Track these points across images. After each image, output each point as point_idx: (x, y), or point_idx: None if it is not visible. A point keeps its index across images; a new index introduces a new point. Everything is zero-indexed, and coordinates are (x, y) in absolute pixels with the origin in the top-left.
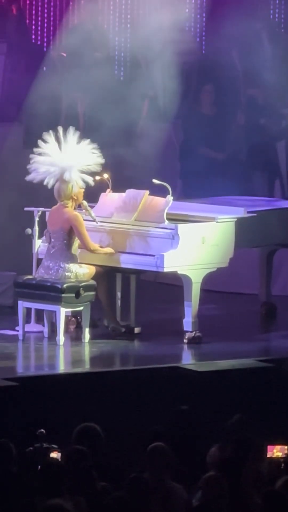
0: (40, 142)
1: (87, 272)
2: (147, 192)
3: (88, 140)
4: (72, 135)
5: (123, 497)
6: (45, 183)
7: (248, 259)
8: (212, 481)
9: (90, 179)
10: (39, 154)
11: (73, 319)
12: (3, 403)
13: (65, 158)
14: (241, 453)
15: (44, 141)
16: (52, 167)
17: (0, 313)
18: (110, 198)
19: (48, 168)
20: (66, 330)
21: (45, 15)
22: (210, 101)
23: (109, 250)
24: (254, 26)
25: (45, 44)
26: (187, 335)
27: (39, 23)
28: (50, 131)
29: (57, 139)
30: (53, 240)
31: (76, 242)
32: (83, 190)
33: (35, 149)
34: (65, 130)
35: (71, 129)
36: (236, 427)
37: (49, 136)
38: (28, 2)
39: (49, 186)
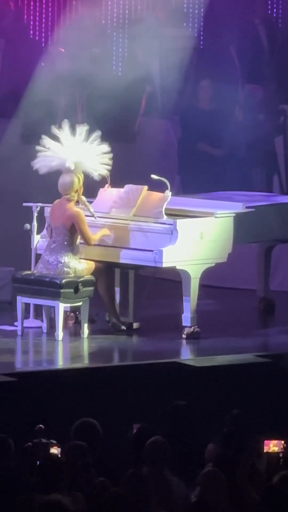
0: (54, 129)
1: (86, 268)
2: (146, 187)
3: (99, 142)
4: (83, 132)
5: (122, 492)
6: (43, 170)
7: (247, 255)
8: (210, 476)
9: (104, 172)
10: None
11: (72, 314)
12: (2, 398)
13: (77, 151)
14: (238, 448)
15: (59, 131)
16: (60, 158)
17: None
18: (108, 194)
19: (61, 158)
20: (65, 326)
21: (43, 11)
22: (208, 96)
23: (102, 232)
24: (252, 21)
25: (43, 40)
26: (186, 331)
27: (37, 18)
28: (67, 121)
29: (70, 132)
30: (54, 235)
31: (78, 237)
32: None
33: (45, 138)
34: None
35: (84, 127)
36: (234, 422)
37: (65, 127)
38: None
39: (41, 172)
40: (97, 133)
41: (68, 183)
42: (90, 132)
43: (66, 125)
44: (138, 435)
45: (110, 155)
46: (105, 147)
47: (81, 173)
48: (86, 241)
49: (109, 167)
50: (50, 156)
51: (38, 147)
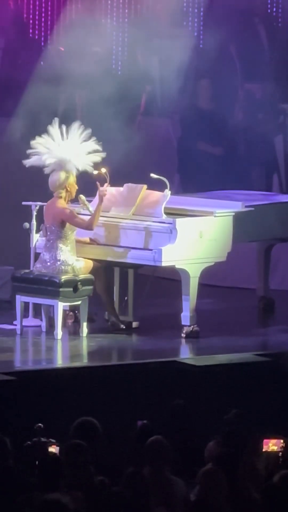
0: (48, 127)
1: (83, 266)
2: (145, 186)
3: (93, 140)
4: (77, 129)
5: (121, 491)
6: (46, 171)
7: (246, 254)
8: (209, 475)
9: (90, 169)
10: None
11: (71, 313)
12: (1, 397)
13: (65, 148)
14: (238, 447)
15: (50, 129)
16: (47, 154)
17: None
18: (108, 192)
19: (43, 155)
20: (64, 325)
21: (43, 10)
22: (208, 95)
23: (98, 209)
24: (251, 20)
25: (42, 39)
26: (185, 329)
27: (37, 17)
28: (57, 120)
29: (61, 130)
30: (48, 233)
31: (72, 234)
32: (75, 182)
33: (38, 137)
34: (65, 125)
35: (77, 124)
36: (234, 421)
37: (55, 124)
38: None
39: (47, 171)
40: (88, 131)
41: (54, 181)
42: (87, 129)
43: (56, 122)
44: (141, 433)
45: (101, 154)
46: (93, 145)
47: (68, 170)
48: (84, 228)
49: (92, 164)
50: (34, 153)
51: (31, 146)
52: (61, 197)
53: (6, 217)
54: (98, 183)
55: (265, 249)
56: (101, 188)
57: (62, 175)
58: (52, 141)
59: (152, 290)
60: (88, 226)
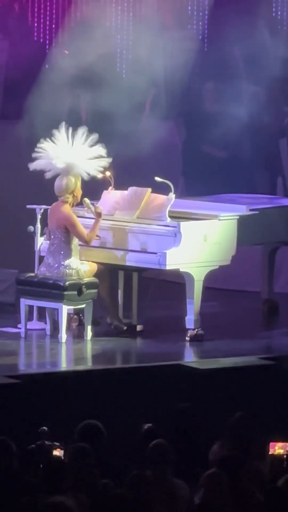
0: (54, 131)
1: (88, 269)
2: (149, 189)
3: (98, 145)
4: (82, 134)
5: (125, 494)
6: (48, 175)
7: (250, 257)
8: (213, 478)
9: (98, 174)
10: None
11: (75, 316)
12: (6, 400)
13: (74, 153)
14: (242, 450)
15: (57, 133)
16: (57, 159)
17: (2, 310)
18: (112, 196)
19: (53, 159)
20: (68, 328)
21: (48, 13)
22: (212, 98)
23: (96, 224)
24: (256, 23)
25: (47, 42)
26: (189, 333)
27: (42, 20)
28: (64, 124)
29: (68, 134)
30: (52, 237)
31: (75, 239)
32: (80, 188)
33: (43, 140)
34: (70, 128)
35: (83, 129)
36: (238, 425)
37: (62, 129)
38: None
39: (48, 176)
40: (95, 136)
41: (61, 185)
42: (94, 134)
43: (63, 126)
44: (146, 436)
45: (108, 159)
46: (100, 150)
47: (76, 175)
48: (83, 242)
49: (107, 172)
50: (42, 156)
51: (36, 149)
52: (67, 202)
53: (11, 220)
54: (95, 204)
55: (269, 252)
56: (97, 205)
57: (71, 180)
58: (60, 145)
59: (157, 293)
60: (86, 242)
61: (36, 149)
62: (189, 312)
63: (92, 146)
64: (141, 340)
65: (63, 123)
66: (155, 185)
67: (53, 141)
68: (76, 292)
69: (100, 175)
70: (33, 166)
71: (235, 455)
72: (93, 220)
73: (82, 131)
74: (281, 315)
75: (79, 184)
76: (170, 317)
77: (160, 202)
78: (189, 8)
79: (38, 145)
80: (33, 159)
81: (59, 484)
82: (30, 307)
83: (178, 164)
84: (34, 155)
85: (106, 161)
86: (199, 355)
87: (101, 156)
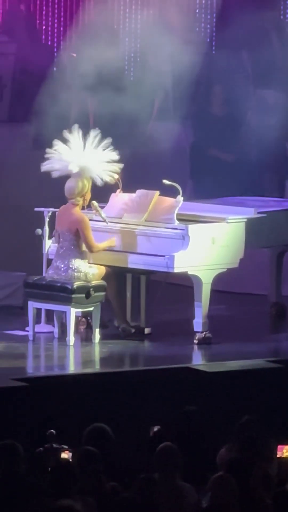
0: (66, 134)
1: (96, 272)
2: (158, 192)
3: (108, 149)
4: (94, 137)
5: (133, 497)
6: (55, 174)
7: (258, 260)
8: (221, 481)
9: (110, 179)
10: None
11: (83, 319)
12: (13, 403)
13: (88, 157)
14: (250, 453)
15: (69, 136)
16: (73, 162)
17: (10, 313)
18: (120, 199)
19: (68, 162)
20: (76, 331)
21: (55, 16)
22: (220, 101)
23: (109, 243)
24: (263, 26)
25: (55, 45)
26: (197, 336)
27: (49, 23)
28: (76, 127)
29: (79, 137)
30: (61, 240)
31: None
32: (89, 191)
33: (57, 142)
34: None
35: (95, 132)
36: (246, 428)
37: (74, 132)
38: (38, 2)
39: (55, 175)
40: (108, 140)
41: (73, 187)
42: (102, 137)
43: (75, 129)
44: (154, 439)
45: (119, 164)
46: (114, 155)
47: (88, 178)
48: (89, 248)
49: (116, 175)
50: (55, 158)
51: (47, 150)
52: (77, 205)
53: (19, 223)
54: (113, 238)
55: (277, 255)
56: (113, 239)
57: (85, 183)
58: (74, 148)
59: (165, 296)
60: (92, 248)
61: (48, 150)
62: (197, 315)
63: (104, 149)
64: (149, 343)
65: (76, 125)
66: (163, 188)
67: (65, 143)
68: (84, 295)
69: (112, 181)
70: (46, 167)
71: (243, 458)
72: (100, 223)
73: (94, 134)
74: None
75: (89, 187)
76: (178, 320)
77: (168, 205)
78: (197, 10)
79: (52, 146)
80: (40, 162)
81: (67, 487)
82: (38, 310)
83: (186, 167)
84: (46, 155)
85: (117, 166)
86: (207, 358)
87: (114, 161)
